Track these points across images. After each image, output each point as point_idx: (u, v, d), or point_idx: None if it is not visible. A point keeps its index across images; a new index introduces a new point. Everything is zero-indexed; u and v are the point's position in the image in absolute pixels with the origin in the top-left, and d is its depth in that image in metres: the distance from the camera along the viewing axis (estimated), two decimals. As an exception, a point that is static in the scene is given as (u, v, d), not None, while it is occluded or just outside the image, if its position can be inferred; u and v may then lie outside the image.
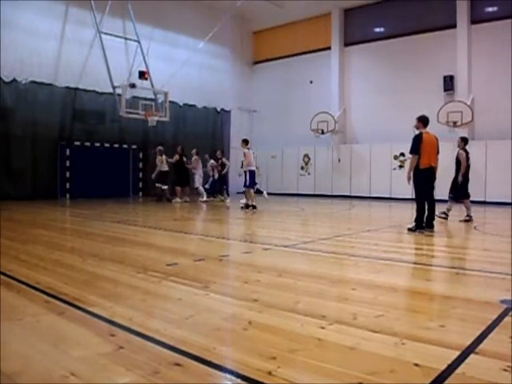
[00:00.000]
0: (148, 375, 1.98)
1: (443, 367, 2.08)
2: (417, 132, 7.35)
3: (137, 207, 13.44)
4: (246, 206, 11.41)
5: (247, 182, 11.49)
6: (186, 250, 5.52)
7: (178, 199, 14.02)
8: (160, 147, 14.44)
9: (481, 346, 2.36)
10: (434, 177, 7.32)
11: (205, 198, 14.41)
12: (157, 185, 14.35)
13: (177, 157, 14.19)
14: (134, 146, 16.47)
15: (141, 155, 16.78)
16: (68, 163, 14.83)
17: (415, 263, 5.07)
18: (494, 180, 14.12)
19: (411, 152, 7.22)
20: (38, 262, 4.61)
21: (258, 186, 13.02)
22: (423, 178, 7.18)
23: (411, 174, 7.30)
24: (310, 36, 19.16)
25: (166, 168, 14.19)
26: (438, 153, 7.33)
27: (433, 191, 7.34)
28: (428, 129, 7.39)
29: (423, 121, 7.35)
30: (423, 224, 7.21)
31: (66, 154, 14.81)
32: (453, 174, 9.12)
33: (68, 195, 14.89)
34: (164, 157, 14.19)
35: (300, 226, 9.24)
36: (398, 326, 2.73)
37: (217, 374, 2.05)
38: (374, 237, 6.78)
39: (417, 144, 7.13)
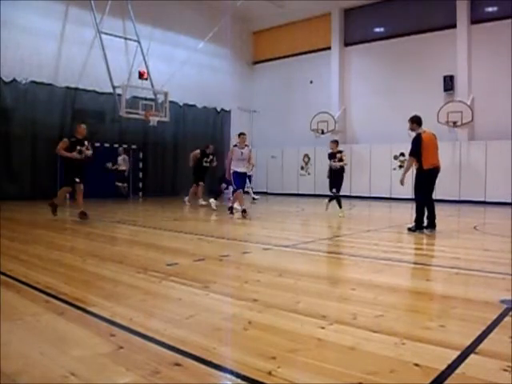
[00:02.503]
0: (148, 375, 1.98)
1: (443, 367, 2.08)
2: (413, 134, 7.29)
3: (137, 207, 13.43)
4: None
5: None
6: (185, 250, 5.51)
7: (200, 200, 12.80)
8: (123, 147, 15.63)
9: (481, 346, 2.36)
10: (437, 177, 7.20)
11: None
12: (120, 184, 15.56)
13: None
14: (134, 146, 16.45)
15: (141, 155, 16.78)
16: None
17: (415, 263, 5.07)
18: (494, 180, 14.10)
19: (410, 154, 7.14)
20: (37, 261, 4.61)
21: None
22: (426, 179, 7.11)
23: (405, 176, 7.23)
24: (310, 36, 19.15)
25: (124, 168, 15.47)
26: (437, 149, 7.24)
27: (432, 192, 7.29)
28: (427, 128, 7.35)
29: (417, 121, 7.22)
30: (423, 224, 7.20)
31: (65, 153, 14.80)
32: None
33: (68, 195, 14.84)
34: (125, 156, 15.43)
35: (300, 226, 9.24)
36: (398, 326, 2.73)
37: (217, 374, 2.06)
38: (373, 237, 6.77)
39: (417, 146, 7.01)
